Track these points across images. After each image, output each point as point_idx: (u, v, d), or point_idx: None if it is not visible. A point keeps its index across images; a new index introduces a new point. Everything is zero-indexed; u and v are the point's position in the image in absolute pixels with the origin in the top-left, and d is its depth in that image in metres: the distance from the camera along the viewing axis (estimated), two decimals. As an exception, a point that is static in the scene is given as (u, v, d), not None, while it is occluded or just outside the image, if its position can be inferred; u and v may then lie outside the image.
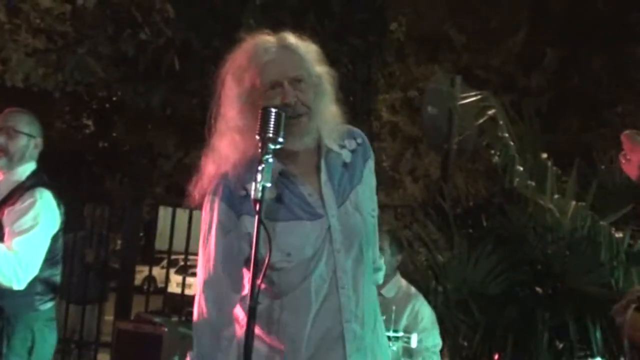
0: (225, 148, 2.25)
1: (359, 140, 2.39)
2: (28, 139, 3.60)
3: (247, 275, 2.22)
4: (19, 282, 3.35)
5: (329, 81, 2.32)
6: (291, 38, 2.29)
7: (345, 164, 2.34)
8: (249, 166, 2.19)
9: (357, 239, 2.28)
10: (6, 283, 3.33)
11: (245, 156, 2.22)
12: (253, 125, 2.15)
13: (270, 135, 2.13)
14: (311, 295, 2.22)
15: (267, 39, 2.27)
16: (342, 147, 2.35)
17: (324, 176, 2.29)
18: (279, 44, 2.26)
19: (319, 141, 2.30)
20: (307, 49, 2.30)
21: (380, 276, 2.58)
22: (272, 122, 2.13)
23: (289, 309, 2.23)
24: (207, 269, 2.29)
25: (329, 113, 2.31)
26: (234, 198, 2.24)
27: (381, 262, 2.57)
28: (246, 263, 2.22)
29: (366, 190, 2.36)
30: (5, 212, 3.43)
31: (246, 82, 2.23)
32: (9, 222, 3.40)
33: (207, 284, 2.29)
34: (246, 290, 2.18)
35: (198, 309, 2.30)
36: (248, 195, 2.15)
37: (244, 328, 2.14)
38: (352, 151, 2.36)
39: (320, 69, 2.31)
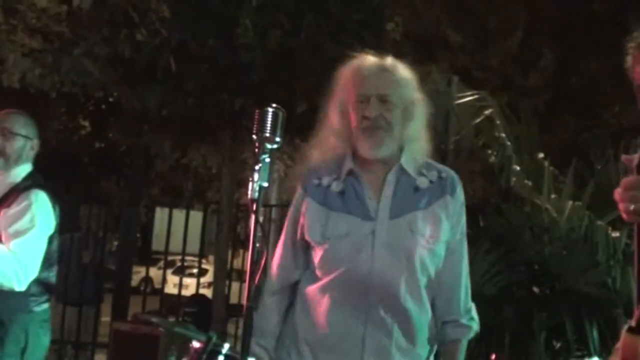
0: (319, 146, 2.57)
1: (444, 175, 2.54)
2: (25, 141, 3.59)
3: (305, 252, 2.53)
4: (19, 283, 3.34)
5: (421, 110, 2.54)
6: (391, 62, 2.54)
7: (417, 189, 2.49)
8: (332, 162, 2.53)
9: (403, 252, 2.42)
10: (7, 284, 3.32)
11: (332, 153, 2.54)
12: (345, 130, 2.50)
13: (267, 134, 2.18)
14: (341, 287, 2.42)
15: (370, 59, 2.55)
16: (422, 174, 2.51)
17: (387, 188, 2.48)
18: (377, 65, 2.52)
19: (397, 159, 2.49)
20: (405, 74, 2.53)
21: (456, 332, 2.55)
22: (269, 122, 2.17)
23: (320, 294, 2.45)
24: (280, 241, 2.61)
25: (415, 138, 2.52)
26: (310, 185, 2.54)
27: (466, 319, 2.55)
28: (301, 240, 2.52)
29: (428, 218, 2.46)
30: (1, 214, 3.42)
31: (345, 93, 2.52)
32: (5, 225, 3.39)
33: (277, 255, 2.59)
34: (303, 268, 2.53)
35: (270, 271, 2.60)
36: (320, 184, 2.52)
37: (296, 303, 2.51)
38: (431, 182, 2.51)
39: (416, 96, 2.53)
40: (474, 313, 2.58)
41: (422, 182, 2.50)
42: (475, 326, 2.57)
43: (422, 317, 2.47)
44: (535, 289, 5.46)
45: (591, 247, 5.18)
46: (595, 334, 5.03)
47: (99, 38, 7.98)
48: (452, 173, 2.58)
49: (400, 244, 2.42)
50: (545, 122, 8.79)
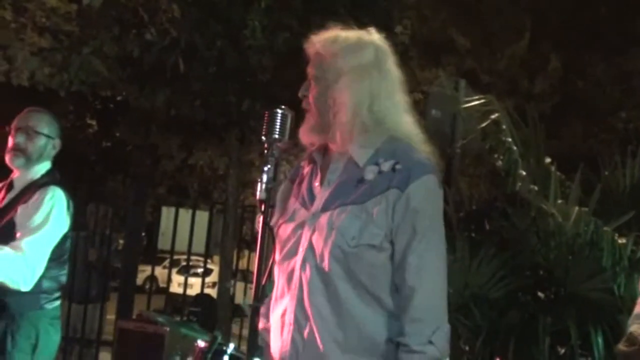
0: None
1: (399, 166, 2.12)
2: (47, 140, 3.63)
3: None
4: (26, 285, 3.38)
5: (355, 81, 2.19)
6: (320, 37, 2.29)
7: (361, 180, 2.15)
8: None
9: (321, 251, 2.14)
10: (14, 286, 3.36)
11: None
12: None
13: (276, 136, 2.17)
14: (279, 279, 2.26)
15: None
16: (376, 164, 2.16)
17: (330, 176, 2.23)
18: (309, 44, 2.27)
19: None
20: (333, 46, 2.24)
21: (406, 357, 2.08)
22: (278, 124, 2.16)
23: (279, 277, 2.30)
24: None
25: (352, 118, 2.17)
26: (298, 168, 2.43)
27: (419, 343, 2.07)
28: None
29: (360, 216, 2.10)
30: (19, 209, 3.46)
31: None
32: (21, 218, 3.44)
33: None
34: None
35: None
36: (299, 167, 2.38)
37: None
38: (380, 172, 2.14)
39: (347, 66, 2.21)
40: (438, 337, 2.07)
41: (369, 173, 2.14)
42: (433, 351, 2.05)
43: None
44: (540, 294, 5.45)
45: (597, 253, 5.16)
46: (599, 339, 5.02)
47: (108, 37, 8.01)
48: (416, 164, 2.12)
49: (321, 243, 2.13)
50: (552, 126, 8.78)
